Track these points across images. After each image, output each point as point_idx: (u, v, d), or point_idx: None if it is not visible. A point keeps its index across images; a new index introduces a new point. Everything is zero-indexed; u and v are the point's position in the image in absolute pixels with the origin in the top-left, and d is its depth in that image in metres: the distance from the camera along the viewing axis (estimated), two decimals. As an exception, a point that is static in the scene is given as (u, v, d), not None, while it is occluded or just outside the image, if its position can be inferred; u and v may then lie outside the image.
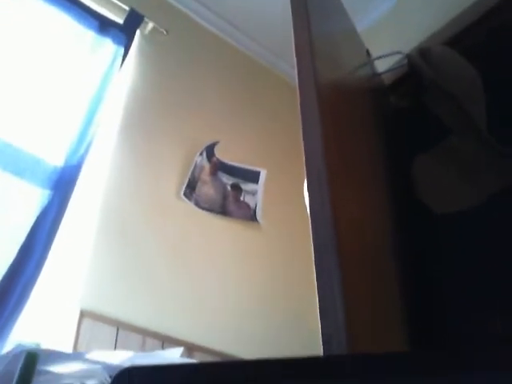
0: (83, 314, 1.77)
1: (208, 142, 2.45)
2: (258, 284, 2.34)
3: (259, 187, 2.54)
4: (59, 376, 0.91)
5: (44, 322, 1.75)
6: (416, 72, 1.25)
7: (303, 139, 0.78)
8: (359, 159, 1.02)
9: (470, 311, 0.93)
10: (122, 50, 2.27)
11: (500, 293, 0.93)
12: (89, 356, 1.01)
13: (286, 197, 2.51)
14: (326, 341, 0.61)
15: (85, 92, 2.09)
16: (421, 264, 1.06)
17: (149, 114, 2.34)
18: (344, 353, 0.59)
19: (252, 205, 2.50)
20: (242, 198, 2.48)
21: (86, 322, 1.76)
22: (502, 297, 0.90)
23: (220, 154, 2.46)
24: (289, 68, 2.86)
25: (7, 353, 0.93)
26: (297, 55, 0.87)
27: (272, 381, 0.49)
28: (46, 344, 1.60)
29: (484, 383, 0.45)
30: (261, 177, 2.56)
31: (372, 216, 0.96)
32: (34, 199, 1.82)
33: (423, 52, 1.28)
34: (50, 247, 1.76)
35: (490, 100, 1.17)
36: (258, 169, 2.56)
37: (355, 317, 0.63)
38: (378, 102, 1.48)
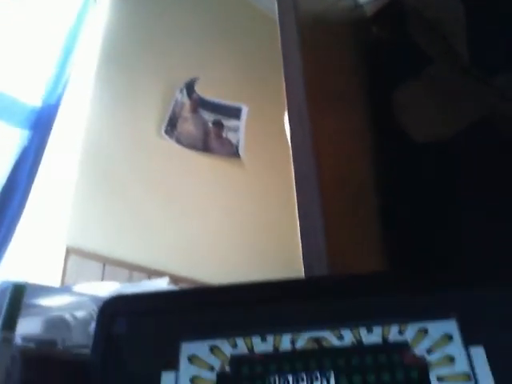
0: (69, 251, 1.78)
1: (188, 79, 2.40)
2: (241, 219, 2.36)
3: (241, 123, 2.52)
4: (48, 309, 0.92)
5: (30, 260, 1.77)
6: (397, 0, 1.23)
7: (284, 72, 0.78)
8: (340, 91, 1.02)
9: (444, 240, 0.96)
10: (97, -18, 2.18)
11: (473, 224, 0.95)
12: (76, 289, 1.03)
13: (268, 132, 2.49)
14: (308, 267, 0.63)
15: (60, 29, 2.02)
16: (400, 194, 1.08)
17: (127, 51, 2.27)
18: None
19: (234, 141, 2.48)
20: (224, 135, 2.47)
21: (73, 258, 1.78)
22: (474, 227, 0.93)
23: (200, 90, 2.42)
24: (268, 1, 2.78)
25: (-6, 287, 0.94)
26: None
27: (252, 304, 0.50)
28: (34, 280, 1.62)
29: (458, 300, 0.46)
30: (242, 113, 2.53)
31: (353, 147, 0.96)
32: (13, 140, 1.80)
33: (405, -21, 1.25)
34: (31, 187, 1.75)
35: (472, 27, 1.16)
36: (239, 105, 2.53)
37: (335, 242, 0.65)
38: (360, 34, 1.45)
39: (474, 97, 1.07)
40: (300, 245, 0.61)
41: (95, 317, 0.54)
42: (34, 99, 1.89)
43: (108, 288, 1.04)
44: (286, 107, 0.75)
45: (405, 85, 1.14)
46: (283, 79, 0.78)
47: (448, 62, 1.11)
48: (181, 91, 2.36)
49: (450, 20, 1.17)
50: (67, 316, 0.87)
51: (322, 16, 1.06)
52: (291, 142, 0.71)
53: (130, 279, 1.86)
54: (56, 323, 0.86)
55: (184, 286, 1.96)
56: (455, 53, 1.10)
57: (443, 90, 1.11)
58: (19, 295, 0.72)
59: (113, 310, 0.53)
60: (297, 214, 0.66)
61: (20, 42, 1.94)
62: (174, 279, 1.92)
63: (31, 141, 1.81)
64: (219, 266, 2.16)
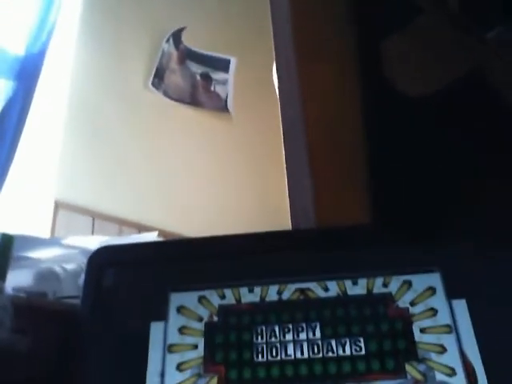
0: (58, 205, 1.78)
1: (175, 29, 2.35)
2: (229, 174, 2.36)
3: (230, 76, 2.48)
4: (37, 261, 0.93)
5: (19, 214, 1.76)
6: None
7: (272, 21, 0.76)
8: (330, 41, 1.00)
9: (432, 194, 0.96)
10: None
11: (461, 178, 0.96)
12: (66, 241, 1.03)
13: (257, 85, 2.46)
14: (295, 220, 0.63)
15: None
16: (389, 147, 1.08)
17: (112, -2, 2.21)
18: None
19: (223, 95, 2.45)
20: (212, 88, 2.43)
21: (61, 213, 1.78)
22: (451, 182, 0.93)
23: (188, 41, 2.37)
24: None
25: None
26: None
27: (240, 255, 0.51)
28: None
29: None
30: (231, 65, 2.49)
31: (342, 99, 0.95)
32: (-2, 90, 1.77)
33: None
34: (18, 139, 1.73)
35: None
36: (227, 57, 2.48)
37: (322, 196, 0.65)
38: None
39: (464, 50, 1.05)
40: (288, 199, 0.62)
41: (85, 269, 0.55)
42: (18, 48, 1.84)
43: (97, 241, 1.04)
44: (274, 57, 0.74)
45: (392, 36, 1.12)
46: (271, 29, 0.76)
47: (438, 12, 1.09)
48: (167, 41, 2.31)
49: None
50: (57, 268, 0.88)
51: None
52: (279, 93, 0.70)
53: (119, 234, 1.87)
54: (46, 275, 0.86)
55: (173, 240, 1.98)
56: (446, 3, 1.08)
57: (432, 41, 1.09)
58: (8, 245, 0.72)
59: (102, 260, 0.54)
60: (284, 168, 0.66)
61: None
62: (164, 234, 1.93)
63: (16, 91, 1.78)
64: (208, 221, 2.17)
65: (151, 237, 1.14)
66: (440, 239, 0.48)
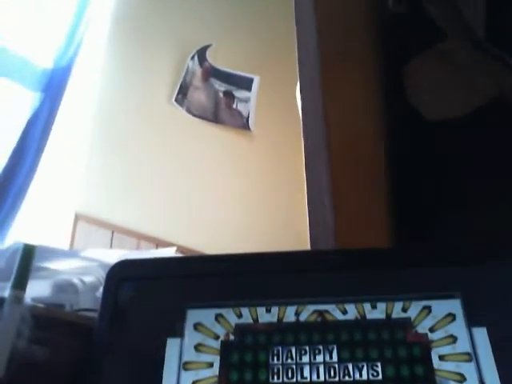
0: (78, 218, 1.80)
1: (200, 46, 2.38)
2: (249, 193, 2.36)
3: (252, 94, 2.50)
4: (56, 272, 0.94)
5: (40, 226, 1.78)
6: (416, -28, 1.20)
7: (297, 39, 0.76)
8: (354, 63, 1.00)
9: (442, 215, 0.96)
10: None
11: (483, 203, 0.95)
12: (84, 254, 1.04)
13: (280, 105, 2.47)
14: (314, 241, 0.63)
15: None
16: (412, 171, 1.07)
17: (140, 14, 2.25)
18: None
19: (244, 113, 2.47)
20: (234, 106, 2.45)
21: (81, 225, 1.80)
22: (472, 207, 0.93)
23: (212, 58, 2.40)
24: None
25: (6, 248, 0.96)
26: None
27: (259, 274, 0.51)
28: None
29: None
30: (254, 84, 2.51)
31: (366, 121, 0.95)
32: (24, 102, 1.80)
33: (425, -50, 1.21)
34: (42, 150, 1.76)
35: (490, 1, 1.14)
36: (251, 75, 2.50)
37: (343, 218, 0.65)
38: (375, 6, 1.43)
39: (489, 74, 1.05)
40: (307, 220, 0.61)
41: (103, 282, 0.55)
42: (46, 61, 1.88)
43: (116, 255, 1.05)
44: (298, 77, 0.74)
45: (416, 59, 1.12)
46: (296, 49, 0.77)
47: (462, 36, 1.09)
48: (192, 59, 2.34)
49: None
50: (75, 280, 0.88)
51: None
52: (302, 113, 0.70)
53: (137, 248, 1.87)
54: (64, 287, 0.87)
55: (191, 255, 1.98)
56: (470, 27, 1.08)
57: (456, 65, 1.09)
58: (29, 255, 0.73)
59: (120, 273, 0.54)
60: (305, 188, 0.66)
61: (33, 2, 1.92)
62: (182, 250, 1.94)
63: (43, 103, 1.81)
64: (227, 239, 2.17)
65: (169, 252, 1.14)
66: (461, 264, 0.48)
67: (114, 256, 1.02)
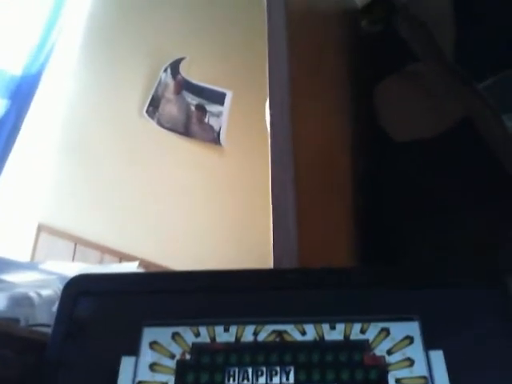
0: (40, 229, 1.76)
1: (173, 59, 2.37)
2: (217, 208, 2.35)
3: (224, 109, 2.49)
4: (13, 284, 0.91)
5: (1, 235, 1.74)
6: (388, -5, 1.22)
7: (268, 56, 0.76)
8: (325, 80, 1.01)
9: (418, 239, 0.96)
10: (84, -45, 2.13)
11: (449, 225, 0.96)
12: (44, 266, 1.01)
13: (251, 120, 2.47)
14: (277, 260, 0.62)
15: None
16: (377, 191, 1.08)
17: (113, 23, 2.23)
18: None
19: (216, 127, 2.46)
20: (206, 120, 2.44)
21: (44, 236, 1.76)
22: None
23: (185, 71, 2.39)
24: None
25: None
26: (266, -33, 0.84)
27: (218, 292, 0.50)
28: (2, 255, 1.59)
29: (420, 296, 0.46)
30: (226, 98, 2.51)
31: (334, 141, 0.96)
32: (-10, 109, 1.76)
33: (397, -26, 1.24)
34: (6, 158, 1.72)
35: (461, 28, 1.16)
36: (224, 90, 2.50)
37: (307, 237, 0.64)
38: (349, 26, 1.45)
39: (457, 97, 1.07)
40: (271, 238, 0.61)
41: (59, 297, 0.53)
42: (15, 68, 1.85)
43: (76, 268, 1.02)
44: (268, 94, 0.74)
45: (387, 80, 1.14)
46: (267, 66, 0.77)
47: (433, 60, 1.11)
48: (165, 71, 2.33)
49: (439, 19, 1.17)
50: (32, 293, 0.86)
51: (311, 3, 1.05)
52: (270, 130, 0.70)
53: (101, 261, 1.84)
54: (20, 300, 0.84)
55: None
56: (441, 52, 1.10)
57: (426, 88, 1.11)
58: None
59: (77, 288, 0.53)
60: (270, 204, 0.65)
61: (4, 9, 1.89)
62: (145, 265, 1.91)
63: (9, 111, 1.78)
64: (192, 254, 2.15)
65: (131, 267, 1.12)
66: (421, 287, 0.48)
67: (74, 269, 1.00)
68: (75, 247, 1.81)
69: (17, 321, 0.80)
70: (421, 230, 0.92)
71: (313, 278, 0.50)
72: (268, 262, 0.66)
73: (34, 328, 0.77)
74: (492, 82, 1.21)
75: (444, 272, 0.49)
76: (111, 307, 0.51)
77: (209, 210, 2.31)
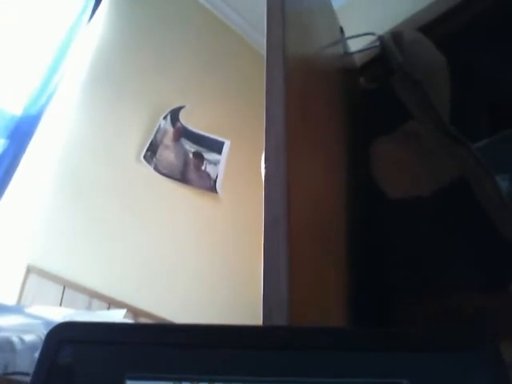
0: (29, 270, 1.73)
1: (174, 106, 2.41)
2: (210, 255, 2.34)
3: (222, 158, 2.52)
4: (-4, 328, 0.89)
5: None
6: (386, 55, 1.25)
7: (265, 109, 0.77)
8: (322, 135, 1.02)
9: (403, 295, 0.95)
10: (92, 2, 2.19)
11: (434, 282, 0.95)
12: (29, 310, 0.99)
13: (248, 170, 2.49)
14: (267, 314, 0.61)
15: (50, 42, 2.02)
16: (371, 247, 1.07)
17: (115, 70, 2.28)
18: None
19: (213, 175, 2.48)
20: (203, 167, 2.46)
21: (32, 278, 1.73)
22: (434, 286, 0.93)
23: (185, 119, 2.42)
24: (261, 38, 2.82)
25: None
26: (268, 24, 0.86)
27: (202, 347, 0.49)
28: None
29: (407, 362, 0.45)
30: (224, 147, 2.54)
31: (329, 193, 0.96)
32: (-13, 147, 1.77)
33: (396, 35, 1.27)
34: (0, 197, 1.71)
35: (456, 90, 1.18)
36: (222, 139, 2.53)
37: (299, 293, 0.63)
38: (347, 82, 1.47)
39: (452, 157, 1.08)
40: (261, 291, 0.60)
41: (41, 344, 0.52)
42: (15, 108, 1.87)
43: (62, 313, 1.00)
44: (264, 147, 0.74)
45: (383, 138, 1.15)
46: (264, 119, 0.77)
47: (429, 120, 1.13)
48: (165, 118, 2.36)
49: (435, 79, 1.20)
50: (14, 338, 0.83)
51: (311, 57, 1.07)
52: (265, 182, 0.70)
53: (89, 306, 1.80)
54: (1, 345, 0.82)
55: (143, 320, 1.92)
56: (436, 111, 1.12)
57: (421, 147, 1.12)
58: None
59: (60, 336, 0.51)
60: (262, 257, 0.65)
61: (8, 48, 1.92)
62: (134, 312, 1.87)
63: (7, 150, 1.78)
64: (182, 303, 2.12)
65: (118, 315, 1.09)
66: (410, 351, 0.46)
67: (59, 314, 0.97)
68: (64, 290, 1.78)
69: (-4, 366, 0.77)
70: (412, 292, 0.90)
71: (301, 338, 0.48)
72: (259, 311, 0.64)
73: (13, 376, 0.74)
74: (487, 142, 1.23)
75: (433, 336, 0.48)
76: (94, 357, 0.49)
77: (202, 258, 2.29)
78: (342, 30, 1.42)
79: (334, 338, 0.47)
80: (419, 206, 1.05)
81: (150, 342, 0.50)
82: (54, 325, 0.52)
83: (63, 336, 0.51)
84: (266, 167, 0.71)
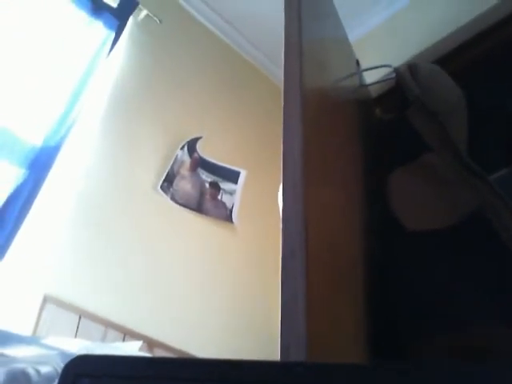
0: (46, 299, 1.74)
1: (191, 137, 2.43)
2: (227, 286, 2.32)
3: (238, 188, 2.53)
4: (12, 359, 0.88)
5: (5, 304, 1.71)
6: (402, 86, 1.26)
7: (283, 141, 0.78)
8: (338, 167, 1.02)
9: (421, 328, 0.93)
10: (112, 35, 2.24)
11: (450, 315, 0.93)
12: (46, 341, 0.99)
13: (263, 200, 2.50)
14: (285, 349, 0.60)
15: (71, 73, 2.06)
16: (388, 278, 1.06)
17: (134, 102, 2.31)
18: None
19: (229, 205, 2.48)
20: (219, 197, 2.47)
21: (49, 307, 1.73)
22: (451, 318, 0.91)
23: (202, 149, 2.45)
24: (279, 71, 2.86)
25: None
26: (285, 57, 0.87)
27: (217, 382, 0.48)
28: (4, 326, 1.57)
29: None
30: (240, 177, 2.55)
31: (346, 226, 0.95)
32: (8, 177, 1.79)
33: (412, 67, 1.28)
34: (19, 227, 1.73)
35: (474, 123, 1.18)
36: (238, 169, 2.54)
37: (317, 327, 0.63)
38: (363, 114, 1.48)
39: (469, 189, 1.07)
40: (279, 327, 0.59)
41: (60, 373, 0.52)
42: (36, 139, 1.90)
43: (78, 345, 1.00)
44: (282, 179, 0.74)
45: (400, 169, 1.14)
46: (281, 150, 0.78)
47: (446, 151, 1.12)
48: (182, 148, 2.38)
49: (452, 111, 1.20)
50: (30, 370, 0.83)
51: (327, 90, 1.07)
52: (282, 215, 0.70)
53: (104, 336, 1.80)
54: (18, 376, 0.81)
55: (158, 350, 1.90)
56: (453, 144, 1.12)
57: (439, 178, 1.11)
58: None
59: (77, 369, 0.51)
60: (280, 291, 0.64)
61: (29, 80, 1.97)
62: (149, 342, 1.86)
63: (26, 180, 1.81)
64: (197, 335, 2.10)
65: (134, 347, 1.09)
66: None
67: (75, 346, 0.97)
68: (79, 320, 1.77)
69: (11, 399, 0.77)
70: (431, 326, 0.89)
71: (319, 374, 0.47)
72: (275, 341, 0.63)
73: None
74: (505, 173, 1.22)
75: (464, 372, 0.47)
76: (110, 392, 0.49)
77: (216, 287, 2.28)
78: (358, 62, 1.43)
79: (355, 374, 0.46)
80: (437, 238, 1.04)
81: (166, 377, 0.50)
82: (70, 356, 0.52)
83: (80, 370, 0.51)
84: (283, 200, 0.71)
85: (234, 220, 2.45)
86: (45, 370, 0.85)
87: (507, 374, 0.43)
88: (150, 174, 2.24)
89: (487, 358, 0.83)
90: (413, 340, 0.89)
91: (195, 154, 2.43)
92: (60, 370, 0.84)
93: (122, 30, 2.32)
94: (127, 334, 1.84)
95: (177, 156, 2.34)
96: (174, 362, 0.53)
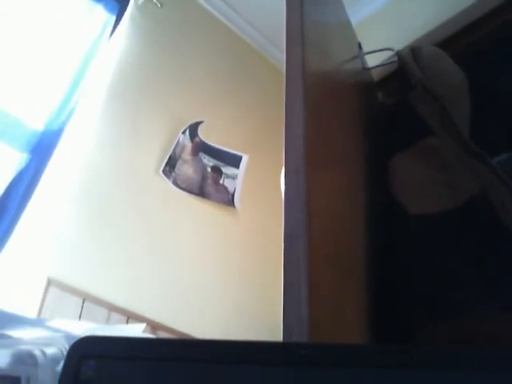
0: (50, 283, 1.75)
1: (192, 121, 2.43)
2: (229, 268, 2.34)
3: (240, 172, 2.53)
4: (17, 341, 0.90)
5: (9, 287, 1.73)
6: (405, 70, 1.25)
7: (285, 125, 0.78)
8: (341, 151, 1.02)
9: (423, 314, 0.94)
10: (113, 19, 2.23)
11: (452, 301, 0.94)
12: (51, 323, 1.00)
13: (265, 184, 2.50)
14: (287, 331, 0.61)
15: (72, 57, 2.06)
16: (389, 263, 1.07)
17: (135, 86, 2.31)
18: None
19: (231, 189, 2.49)
20: (221, 181, 2.47)
21: (52, 290, 1.74)
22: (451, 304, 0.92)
23: (203, 134, 2.44)
24: (280, 54, 2.84)
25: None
26: (287, 41, 0.86)
27: (219, 362, 0.49)
28: (9, 309, 1.58)
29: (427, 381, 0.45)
30: (242, 161, 2.55)
31: (348, 210, 0.96)
32: (10, 162, 1.80)
33: (414, 51, 1.28)
34: (22, 211, 1.74)
35: (476, 106, 1.18)
36: (240, 153, 2.54)
37: (319, 310, 0.63)
38: (365, 97, 1.47)
39: (471, 172, 1.07)
40: (281, 309, 0.60)
41: (65, 355, 0.52)
42: (37, 123, 1.90)
43: (83, 327, 1.01)
44: (284, 163, 0.74)
45: (402, 153, 1.15)
46: (283, 134, 0.78)
47: (448, 135, 1.12)
48: (183, 133, 2.38)
49: (454, 94, 1.19)
50: (36, 351, 0.84)
51: (329, 74, 1.07)
52: (285, 198, 0.70)
53: (107, 319, 1.81)
54: (23, 358, 0.83)
55: (161, 333, 1.92)
56: (456, 127, 1.12)
57: (441, 161, 1.11)
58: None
59: (82, 351, 0.52)
60: (282, 273, 0.65)
61: (30, 64, 1.96)
62: (152, 325, 1.88)
63: (29, 164, 1.81)
64: (200, 317, 2.12)
65: (139, 328, 1.10)
66: (436, 368, 0.46)
67: (80, 328, 0.98)
68: (83, 303, 1.79)
69: (18, 379, 0.78)
70: (435, 309, 0.90)
71: (322, 354, 0.48)
72: (277, 323, 0.64)
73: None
74: (506, 156, 1.22)
75: (464, 354, 0.47)
76: (116, 372, 0.50)
77: (220, 272, 2.29)
78: (360, 45, 1.42)
79: (359, 354, 0.47)
80: (439, 221, 1.04)
81: (171, 358, 0.50)
82: (75, 338, 0.52)
83: (85, 351, 0.52)
84: (285, 184, 0.71)
85: (236, 204, 2.46)
86: (50, 351, 0.86)
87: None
88: (152, 158, 2.24)
89: (488, 342, 0.84)
90: (415, 326, 0.90)
91: (196, 138, 2.43)
92: (65, 352, 0.85)
93: (123, 13, 2.30)
94: (130, 318, 1.86)
95: (178, 140, 2.34)
96: (180, 342, 0.53)
